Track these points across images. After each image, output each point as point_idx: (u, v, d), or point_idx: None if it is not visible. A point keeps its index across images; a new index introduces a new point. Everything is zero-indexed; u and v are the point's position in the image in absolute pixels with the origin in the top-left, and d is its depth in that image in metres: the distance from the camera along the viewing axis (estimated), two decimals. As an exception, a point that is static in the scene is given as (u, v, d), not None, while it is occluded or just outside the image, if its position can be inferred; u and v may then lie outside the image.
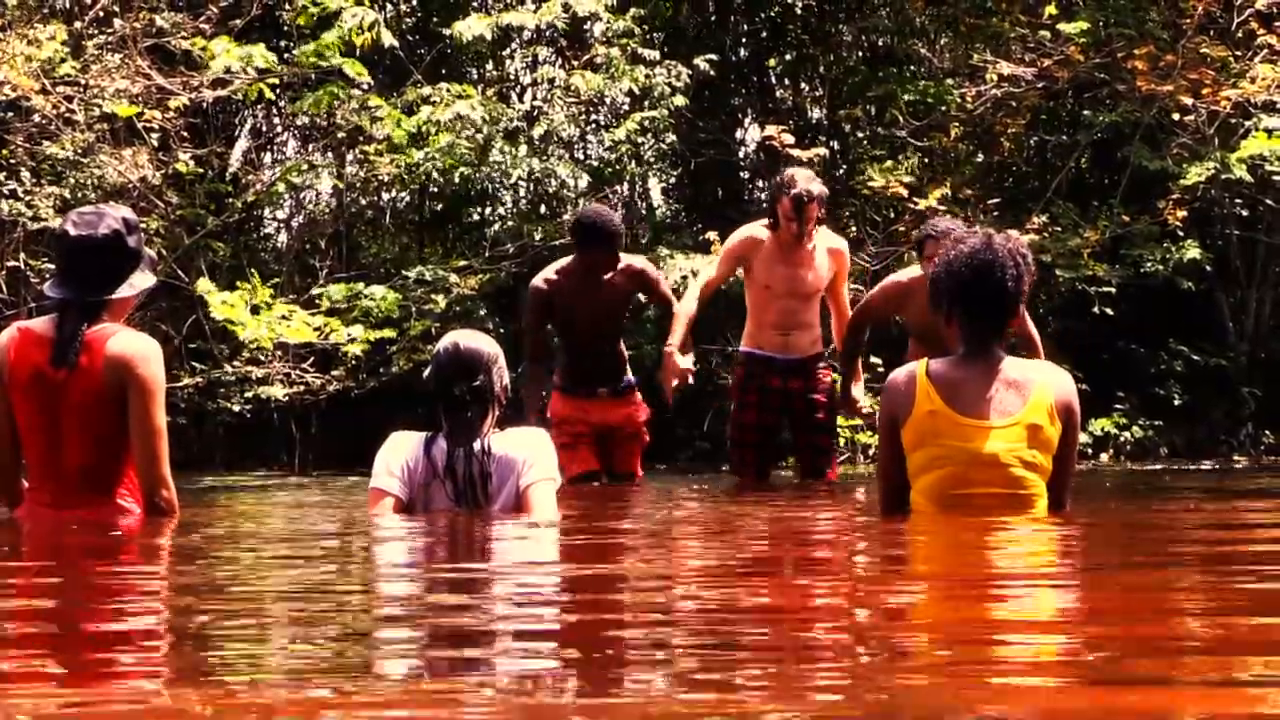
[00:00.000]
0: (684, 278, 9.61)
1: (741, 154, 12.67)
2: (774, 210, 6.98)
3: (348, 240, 11.65)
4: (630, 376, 7.26)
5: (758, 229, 7.08)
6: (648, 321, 10.34)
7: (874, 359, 10.01)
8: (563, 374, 7.21)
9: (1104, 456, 10.82)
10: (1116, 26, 10.95)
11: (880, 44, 12.59)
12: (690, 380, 7.09)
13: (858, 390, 7.32)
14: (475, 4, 11.68)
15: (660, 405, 7.46)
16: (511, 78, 12.17)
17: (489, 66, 11.91)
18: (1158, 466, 9.94)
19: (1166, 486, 7.45)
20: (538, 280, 7.12)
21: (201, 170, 10.34)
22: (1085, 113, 11.48)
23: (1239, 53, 10.80)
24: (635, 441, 7.20)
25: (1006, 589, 2.93)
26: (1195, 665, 2.06)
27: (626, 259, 7.18)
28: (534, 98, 11.63)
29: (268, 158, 12.21)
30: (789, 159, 10.64)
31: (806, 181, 6.93)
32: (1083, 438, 9.31)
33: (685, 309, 7.09)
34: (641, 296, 7.82)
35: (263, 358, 9.97)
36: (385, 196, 11.74)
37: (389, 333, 10.01)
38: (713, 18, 12.63)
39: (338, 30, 9.91)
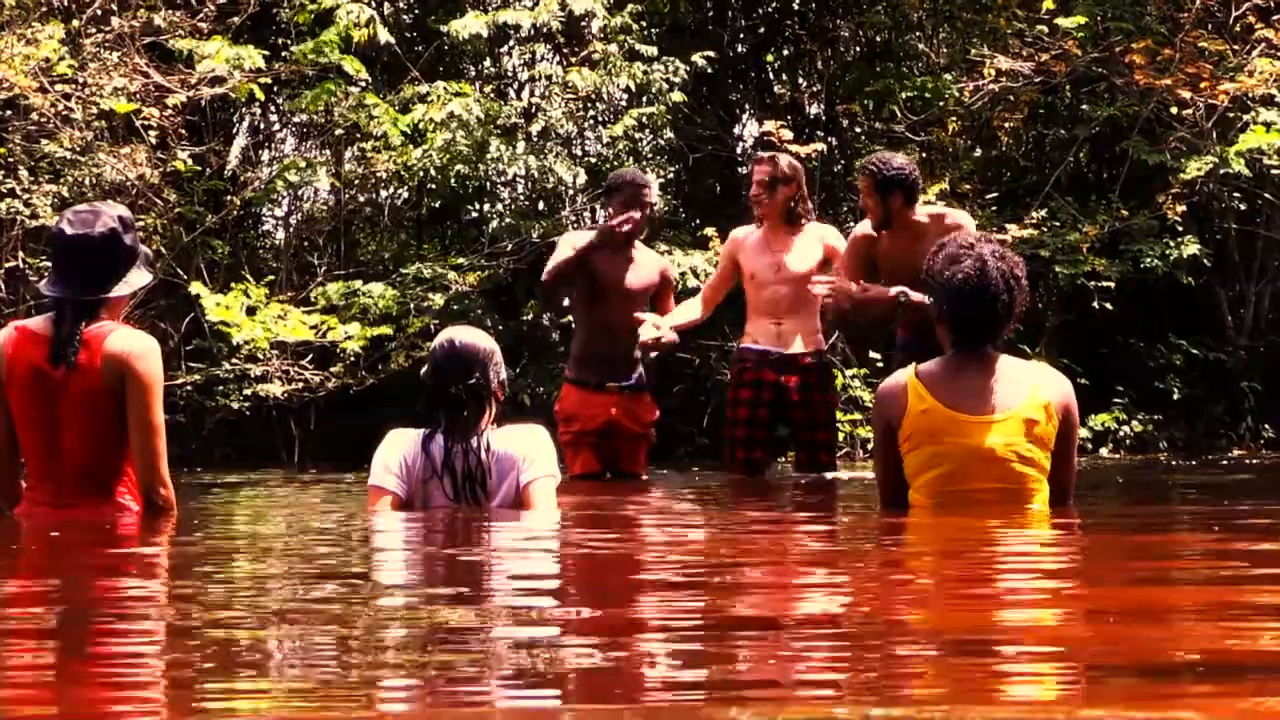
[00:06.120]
0: (682, 274, 9.58)
1: (739, 149, 12.66)
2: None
3: (346, 237, 11.62)
4: (643, 375, 7.21)
5: (743, 227, 7.29)
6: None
7: (873, 354, 10.00)
8: (575, 362, 7.17)
9: (1103, 451, 10.82)
10: (1114, 21, 10.94)
11: (878, 39, 12.58)
12: (668, 345, 7.05)
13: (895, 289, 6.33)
14: (472, 1, 11.66)
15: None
16: (509, 74, 12.15)
17: (486, 63, 11.89)
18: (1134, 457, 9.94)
19: (1166, 483, 7.44)
20: (575, 232, 7.23)
21: (199, 168, 10.32)
22: (1083, 107, 11.47)
23: (1237, 47, 10.80)
24: (642, 441, 7.15)
25: (1006, 589, 2.93)
26: (1196, 665, 2.05)
27: (661, 262, 7.42)
28: (531, 94, 11.61)
29: (266, 155, 12.19)
30: (787, 154, 10.63)
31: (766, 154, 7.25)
32: (1082, 432, 9.32)
33: (689, 303, 7.28)
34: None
35: (260, 355, 9.96)
36: (383, 194, 11.72)
37: (387, 329, 10.00)
38: (710, 13, 12.62)
39: (335, 27, 9.91)
